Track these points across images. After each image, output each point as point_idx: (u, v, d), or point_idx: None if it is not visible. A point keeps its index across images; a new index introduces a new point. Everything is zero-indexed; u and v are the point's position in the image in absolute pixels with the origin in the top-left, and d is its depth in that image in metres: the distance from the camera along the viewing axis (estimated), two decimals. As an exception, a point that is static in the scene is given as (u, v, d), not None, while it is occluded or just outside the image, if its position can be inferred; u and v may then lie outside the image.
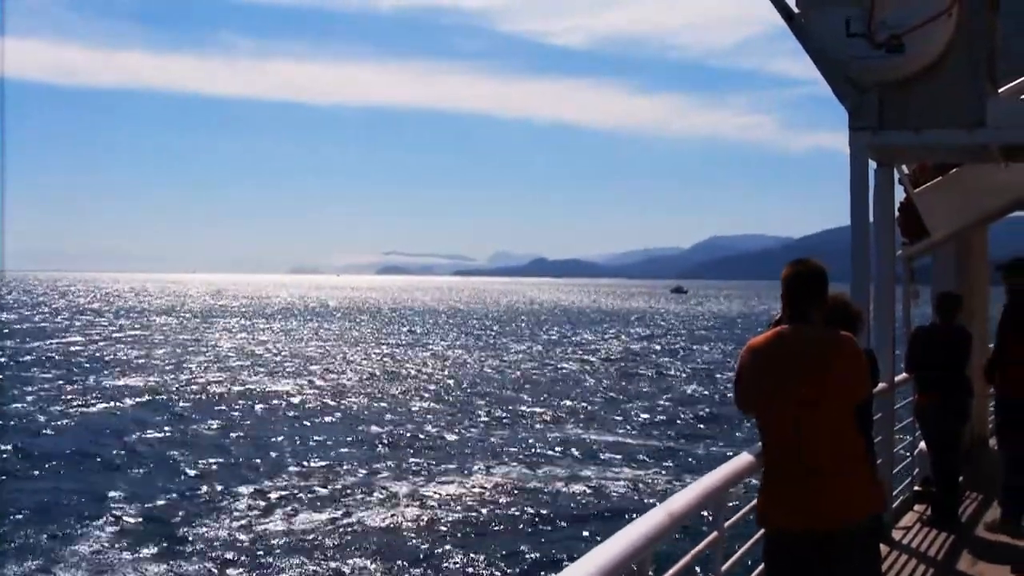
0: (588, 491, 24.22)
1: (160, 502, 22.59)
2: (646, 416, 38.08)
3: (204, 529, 20.23)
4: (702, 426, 35.71)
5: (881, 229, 10.24)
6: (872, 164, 10.22)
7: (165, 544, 19.16)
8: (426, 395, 43.54)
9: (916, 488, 11.54)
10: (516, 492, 24.01)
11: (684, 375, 54.23)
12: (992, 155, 10.44)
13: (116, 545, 19.08)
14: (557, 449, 30.36)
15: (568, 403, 41.39)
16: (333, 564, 18.00)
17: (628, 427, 35.34)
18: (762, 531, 5.57)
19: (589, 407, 40.45)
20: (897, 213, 12.27)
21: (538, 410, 39.25)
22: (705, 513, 5.25)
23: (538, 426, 35.39)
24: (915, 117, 9.49)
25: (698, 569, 5.38)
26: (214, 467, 26.66)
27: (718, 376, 51.75)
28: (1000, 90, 10.03)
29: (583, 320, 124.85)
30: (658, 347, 76.91)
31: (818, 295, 5.50)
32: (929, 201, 12.67)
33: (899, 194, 12.14)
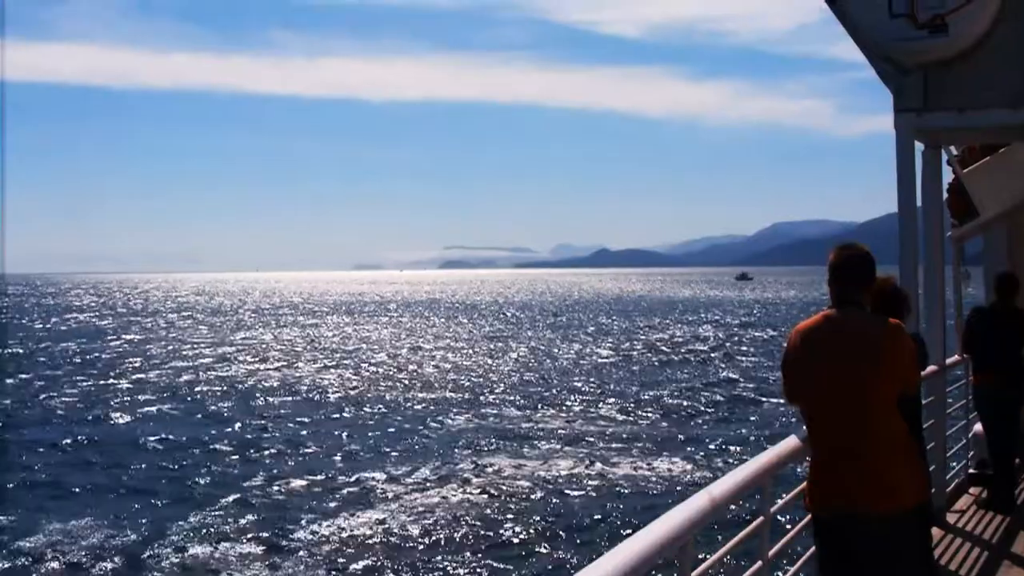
0: (636, 476, 24.41)
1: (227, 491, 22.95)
2: (705, 401, 38.12)
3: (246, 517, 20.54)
4: (756, 410, 35.67)
5: (929, 211, 10.17)
6: (919, 146, 10.15)
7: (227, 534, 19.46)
8: (487, 385, 43.80)
9: (971, 471, 11.44)
10: (566, 477, 24.30)
11: (750, 360, 54.17)
12: (1039, 133, 10.34)
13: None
14: (610, 436, 30.54)
15: (624, 389, 41.49)
16: (393, 544, 18.23)
17: (686, 413, 35.37)
18: (809, 516, 5.59)
19: (648, 393, 40.50)
20: (946, 194, 12.16)
21: (598, 398, 39.40)
22: (751, 496, 5.28)
23: (594, 413, 35.55)
24: (959, 97, 9.41)
25: (744, 554, 5.39)
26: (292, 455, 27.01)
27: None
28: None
29: (653, 309, 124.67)
30: (724, 333, 76.80)
31: (865, 280, 5.50)
32: (978, 181, 12.54)
33: (947, 175, 12.03)
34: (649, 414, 35.48)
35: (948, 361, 10.44)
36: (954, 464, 11.28)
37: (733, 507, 4.65)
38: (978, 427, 11.49)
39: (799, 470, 5.74)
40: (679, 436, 30.58)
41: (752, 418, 34.42)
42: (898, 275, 8.94)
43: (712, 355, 58.96)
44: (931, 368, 8.78)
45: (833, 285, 5.49)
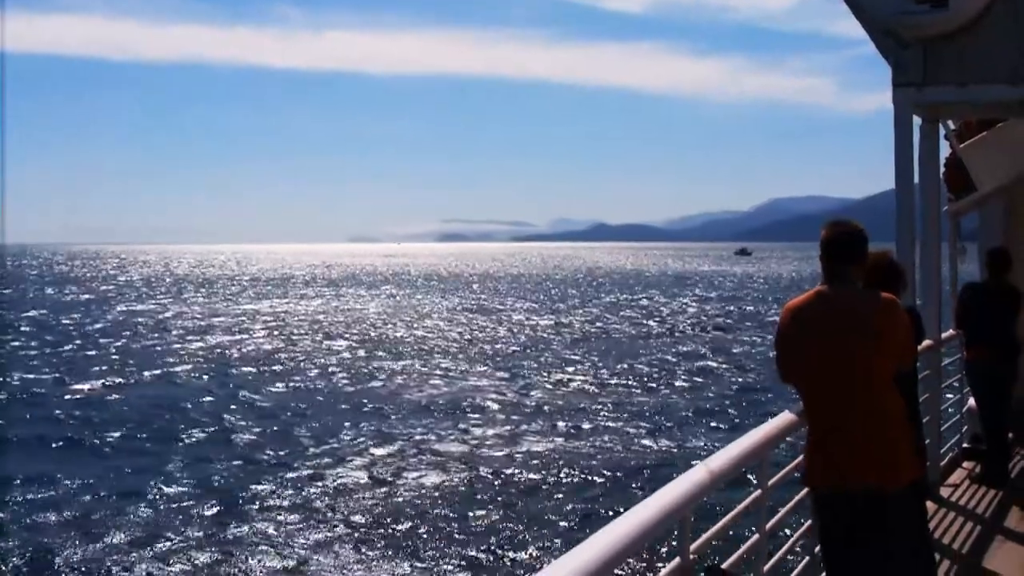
0: (634, 449, 24.57)
1: (211, 468, 22.99)
2: (699, 375, 38.30)
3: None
4: (754, 385, 35.82)
5: (926, 185, 10.16)
6: (917, 121, 10.14)
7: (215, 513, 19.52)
8: (482, 358, 43.89)
9: (965, 445, 11.49)
10: (562, 450, 24.44)
11: (746, 336, 54.34)
12: (1037, 109, 10.32)
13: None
14: (605, 409, 30.70)
15: (623, 364, 41.61)
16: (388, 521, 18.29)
17: (681, 387, 35.50)
18: (806, 490, 5.62)
19: (643, 367, 40.63)
20: (943, 169, 12.16)
21: (590, 371, 39.52)
22: (750, 469, 5.30)
23: (588, 386, 35.68)
24: (959, 72, 9.39)
25: (742, 527, 5.42)
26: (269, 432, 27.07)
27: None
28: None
29: (652, 283, 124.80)
30: (722, 308, 77.03)
31: (857, 256, 5.49)
32: (975, 156, 12.53)
33: (944, 150, 12.03)
34: (648, 387, 35.62)
35: (943, 336, 10.47)
36: (948, 439, 11.32)
37: (731, 481, 4.66)
38: (972, 402, 11.54)
39: (797, 444, 5.76)
40: (678, 409, 30.71)
41: (752, 391, 34.52)
42: (894, 250, 8.93)
43: (712, 329, 59.15)
44: (926, 343, 8.79)
45: (825, 261, 5.48)
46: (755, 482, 5.33)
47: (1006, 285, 10.83)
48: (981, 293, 10.88)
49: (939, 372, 10.33)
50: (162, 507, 19.82)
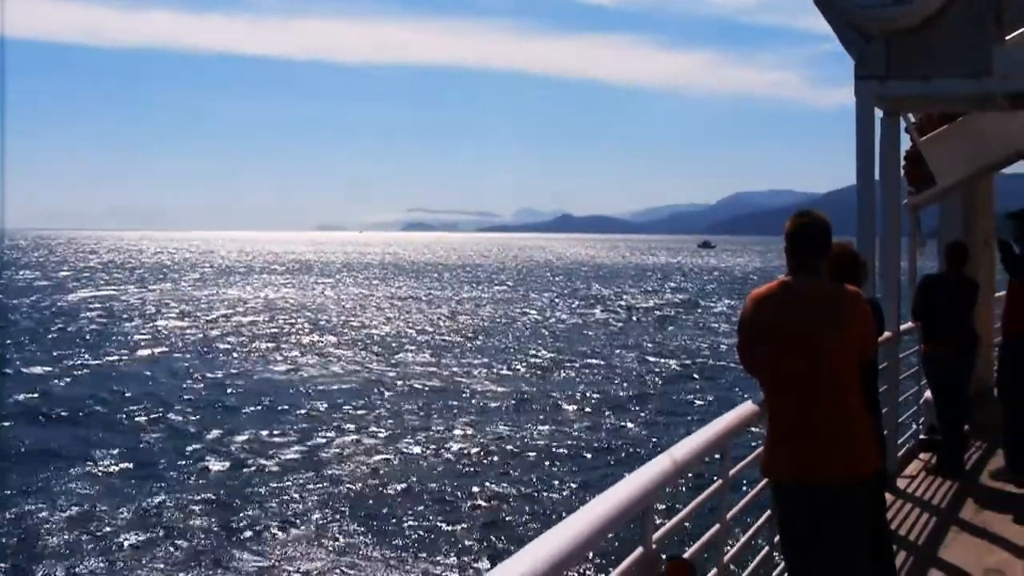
0: (596, 439, 24.59)
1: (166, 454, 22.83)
2: (659, 365, 38.40)
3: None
4: (713, 374, 36.01)
5: (887, 178, 10.21)
6: (879, 113, 10.18)
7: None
8: (447, 347, 43.80)
9: (921, 437, 11.56)
10: (524, 441, 24.38)
11: (709, 326, 54.58)
12: (998, 103, 10.38)
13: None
14: (567, 399, 30.75)
15: (584, 355, 41.69)
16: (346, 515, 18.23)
17: (641, 377, 35.59)
18: (766, 480, 5.63)
19: (604, 358, 40.72)
20: (903, 162, 12.23)
21: (550, 362, 39.54)
22: (711, 460, 5.31)
23: (549, 377, 35.72)
24: (922, 66, 9.43)
25: (704, 516, 5.43)
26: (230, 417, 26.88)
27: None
28: (1007, 39, 9.96)
29: (616, 274, 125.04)
30: (682, 299, 77.35)
31: (822, 248, 5.48)
32: (935, 150, 12.61)
33: (905, 143, 12.10)
34: (612, 378, 35.71)
35: (902, 327, 10.54)
36: (905, 430, 11.42)
37: (693, 470, 4.67)
38: (928, 394, 11.64)
39: (758, 434, 5.77)
40: (641, 399, 30.81)
41: (714, 382, 34.70)
42: (855, 242, 8.97)
43: (674, 320, 59.36)
44: (886, 334, 8.85)
45: (789, 253, 5.46)
46: (717, 472, 5.34)
47: (964, 278, 10.93)
48: (939, 286, 10.96)
49: (897, 364, 10.41)
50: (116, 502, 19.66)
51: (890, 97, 9.85)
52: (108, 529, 17.53)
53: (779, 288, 5.42)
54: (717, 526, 5.19)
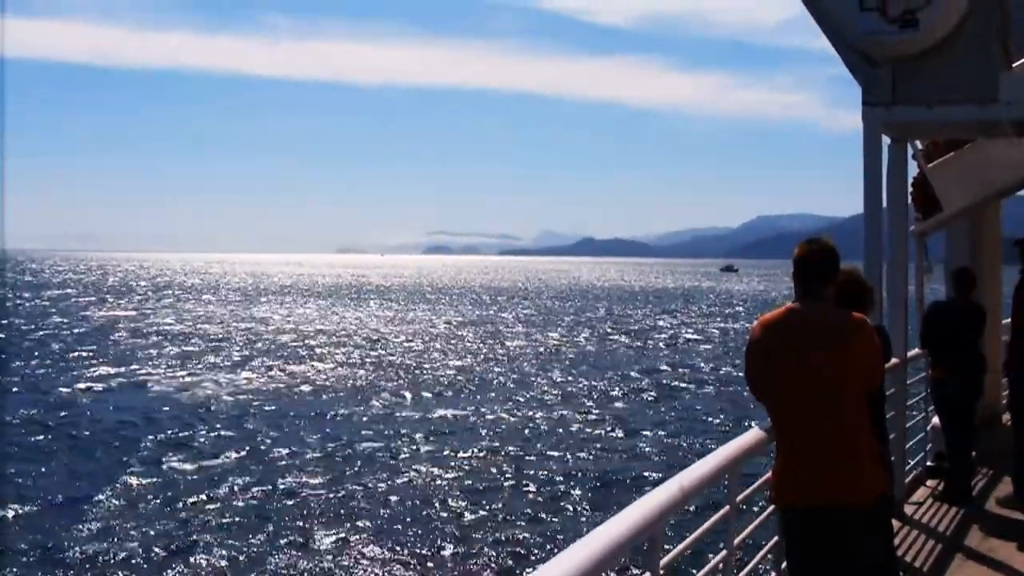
0: (605, 464, 24.57)
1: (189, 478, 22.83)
2: (678, 389, 38.51)
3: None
4: (727, 400, 36.00)
5: (894, 204, 10.23)
6: (886, 140, 10.20)
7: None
8: (456, 374, 43.74)
9: (929, 463, 11.55)
10: (534, 466, 24.35)
11: (724, 352, 54.60)
12: (1004, 130, 10.42)
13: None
14: (583, 422, 30.89)
15: (594, 379, 41.64)
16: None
17: (658, 401, 35.61)
18: (773, 507, 5.62)
19: (622, 382, 40.73)
20: (911, 189, 12.25)
21: (560, 386, 39.52)
22: (719, 485, 5.31)
23: (557, 401, 35.71)
24: (928, 92, 9.46)
25: (711, 543, 5.42)
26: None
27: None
28: (1013, 66, 10.00)
29: (638, 299, 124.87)
30: (702, 324, 77.27)
31: (829, 274, 5.50)
32: (942, 176, 12.64)
33: (912, 170, 12.12)
34: (629, 402, 35.72)
35: (909, 354, 10.53)
36: (913, 456, 11.39)
37: (700, 496, 4.67)
38: (936, 420, 11.62)
39: (765, 460, 5.77)
40: (649, 425, 30.72)
41: (725, 407, 34.61)
42: (862, 268, 8.99)
43: (694, 345, 59.31)
44: (893, 361, 8.85)
45: (797, 278, 5.50)
46: (725, 497, 5.33)
47: (971, 304, 10.92)
48: (947, 312, 10.97)
49: (905, 390, 10.39)
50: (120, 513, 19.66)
51: (897, 124, 9.87)
52: (129, 539, 17.54)
53: (786, 314, 5.44)
54: (724, 552, 5.18)
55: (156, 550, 17.50)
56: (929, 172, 12.64)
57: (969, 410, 10.93)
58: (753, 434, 5.56)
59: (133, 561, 17.02)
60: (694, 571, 4.87)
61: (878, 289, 9.37)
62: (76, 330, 61.63)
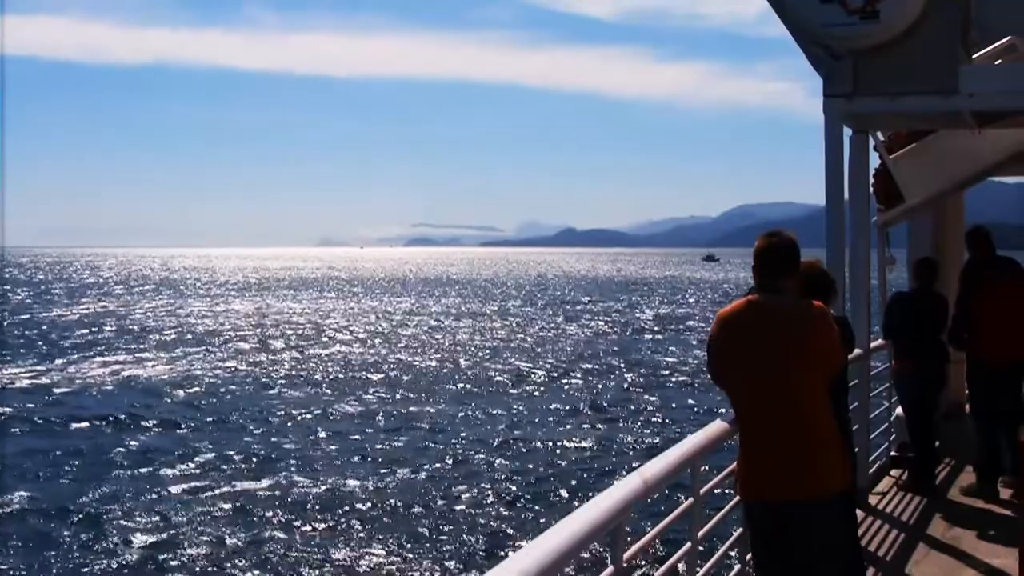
0: (568, 457, 24.57)
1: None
2: (655, 379, 38.76)
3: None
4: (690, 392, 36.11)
5: (856, 196, 10.26)
6: (848, 131, 10.22)
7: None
8: (429, 366, 43.63)
9: (893, 453, 11.61)
10: (507, 458, 24.35)
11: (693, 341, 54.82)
12: (965, 121, 10.46)
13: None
14: (556, 413, 31.03)
15: (563, 370, 41.68)
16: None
17: (635, 391, 35.69)
18: (737, 498, 5.63)
19: (599, 373, 40.90)
20: (872, 180, 12.29)
21: (544, 376, 39.56)
22: (682, 478, 5.31)
23: (543, 391, 35.80)
24: (889, 84, 9.47)
25: (674, 535, 5.41)
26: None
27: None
28: (973, 57, 10.04)
29: (617, 289, 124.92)
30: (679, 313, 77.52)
31: (790, 266, 5.51)
32: (904, 168, 12.69)
33: (874, 161, 12.17)
34: (604, 392, 35.87)
35: (872, 345, 10.57)
36: (876, 447, 11.45)
37: (664, 488, 4.66)
38: (899, 411, 11.69)
39: (728, 452, 5.77)
40: (616, 416, 30.76)
41: (693, 398, 34.68)
42: (824, 260, 9.00)
43: (672, 336, 59.45)
44: (856, 352, 8.87)
45: (757, 271, 5.51)
46: (687, 489, 5.33)
47: (934, 294, 10.98)
48: (909, 303, 11.02)
49: (868, 381, 10.43)
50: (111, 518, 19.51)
51: (858, 115, 9.89)
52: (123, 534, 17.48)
53: (745, 307, 5.44)
54: (688, 544, 5.18)
55: (144, 548, 17.49)
56: (891, 163, 12.68)
57: (932, 400, 11.00)
58: (717, 426, 5.56)
59: (118, 560, 16.94)
60: (658, 564, 4.86)
61: (841, 280, 9.40)
62: (57, 326, 61.06)
